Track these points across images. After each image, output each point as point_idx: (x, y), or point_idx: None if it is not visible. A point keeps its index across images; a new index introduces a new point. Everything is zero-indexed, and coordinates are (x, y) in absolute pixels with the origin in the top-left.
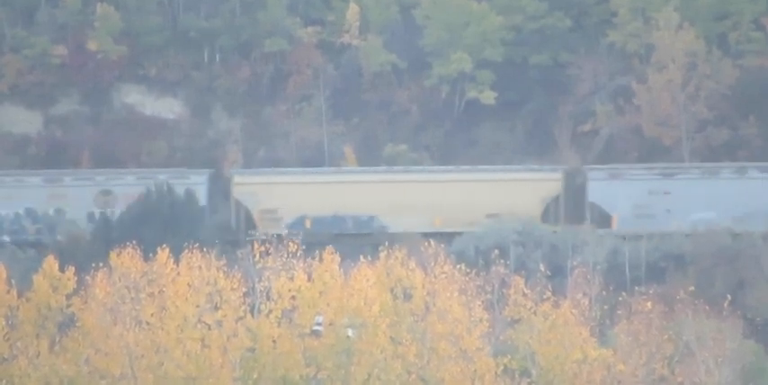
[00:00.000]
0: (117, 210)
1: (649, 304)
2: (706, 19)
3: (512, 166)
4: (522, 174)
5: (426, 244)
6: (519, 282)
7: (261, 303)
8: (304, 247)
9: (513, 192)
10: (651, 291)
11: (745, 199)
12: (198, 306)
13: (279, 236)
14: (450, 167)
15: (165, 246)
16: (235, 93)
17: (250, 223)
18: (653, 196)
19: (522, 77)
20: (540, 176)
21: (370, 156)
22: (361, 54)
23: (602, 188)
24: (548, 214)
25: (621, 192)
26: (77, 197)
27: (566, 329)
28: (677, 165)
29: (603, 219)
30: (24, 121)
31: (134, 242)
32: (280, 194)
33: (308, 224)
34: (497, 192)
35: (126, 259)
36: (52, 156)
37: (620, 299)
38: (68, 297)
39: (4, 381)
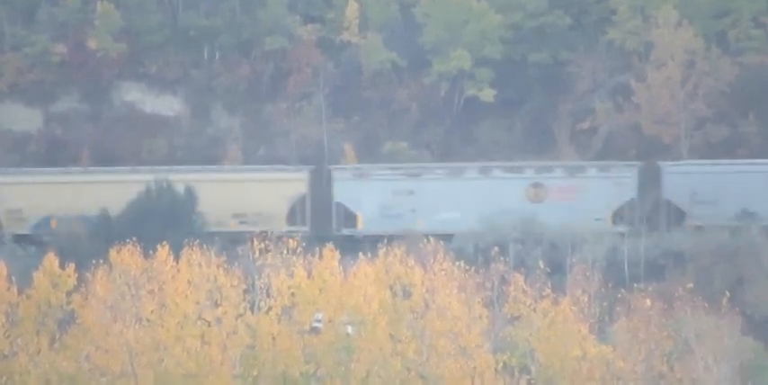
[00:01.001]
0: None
1: (648, 301)
2: (705, 16)
3: (257, 166)
4: (268, 173)
5: (426, 241)
6: (518, 279)
7: (260, 300)
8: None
9: (258, 192)
10: (650, 288)
11: (490, 198)
12: (198, 303)
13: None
14: (197, 167)
15: (164, 242)
16: (235, 91)
17: None
18: (398, 196)
19: (522, 75)
20: (285, 176)
21: (369, 154)
22: (361, 52)
23: (348, 188)
24: (294, 214)
25: (366, 192)
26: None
27: (565, 326)
28: (422, 165)
29: (350, 219)
30: (24, 119)
31: (134, 239)
32: (24, 194)
33: (53, 224)
34: (243, 192)
35: (126, 256)
36: (52, 153)
37: (620, 296)
38: (68, 294)
39: (4, 378)
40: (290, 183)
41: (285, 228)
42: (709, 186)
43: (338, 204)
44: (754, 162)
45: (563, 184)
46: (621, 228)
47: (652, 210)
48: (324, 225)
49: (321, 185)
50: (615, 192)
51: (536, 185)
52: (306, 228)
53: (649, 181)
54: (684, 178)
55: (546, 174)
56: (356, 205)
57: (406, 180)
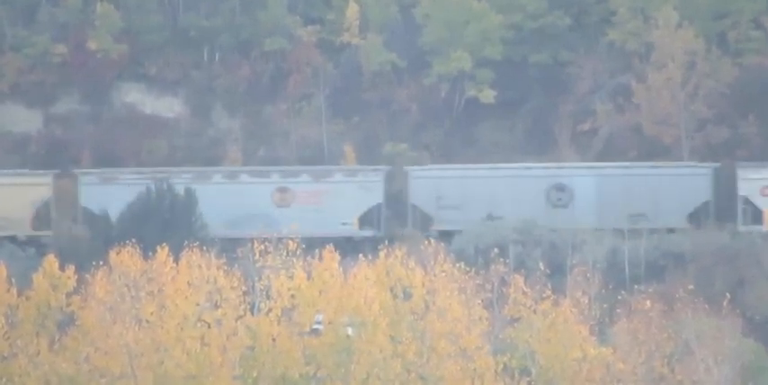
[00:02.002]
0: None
1: (649, 302)
2: (705, 18)
3: (2, 171)
4: (12, 178)
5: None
6: (518, 280)
7: (260, 302)
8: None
9: (3, 197)
10: (651, 290)
11: (237, 203)
12: (198, 304)
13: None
14: None
15: (164, 244)
16: (235, 92)
17: None
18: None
19: (522, 76)
20: (28, 181)
21: (369, 155)
22: (361, 53)
23: (95, 192)
24: (39, 219)
25: (114, 197)
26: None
27: (565, 328)
28: (168, 169)
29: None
30: (24, 120)
31: (133, 240)
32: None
33: None
34: None
35: (125, 258)
36: (52, 155)
37: (620, 297)
38: (68, 296)
39: (3, 380)
40: (34, 188)
41: (29, 232)
42: (455, 191)
43: (85, 209)
44: (497, 166)
45: (309, 189)
46: (368, 233)
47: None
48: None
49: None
50: (362, 196)
51: (282, 190)
52: (50, 233)
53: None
54: (430, 183)
55: (292, 178)
56: (103, 209)
57: (153, 184)
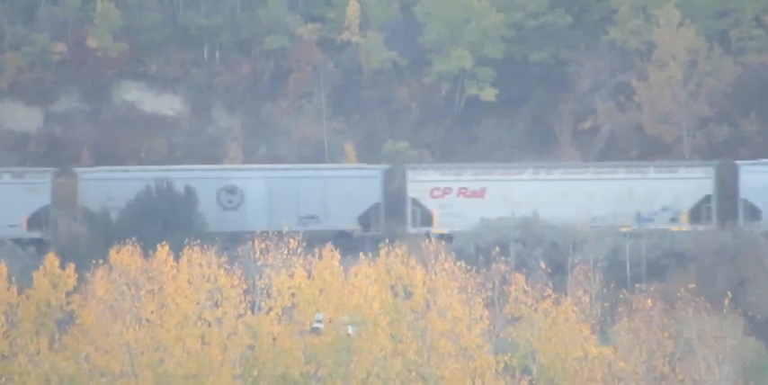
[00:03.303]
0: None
1: (650, 301)
2: (707, 16)
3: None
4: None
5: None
6: (519, 279)
7: (261, 300)
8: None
9: None
10: (652, 289)
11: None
12: (198, 303)
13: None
14: None
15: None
16: (235, 90)
17: None
18: None
19: (523, 74)
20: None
21: (370, 154)
22: (362, 51)
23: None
24: None
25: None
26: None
27: (566, 327)
28: None
29: None
30: (24, 118)
31: (134, 239)
32: None
33: None
34: None
35: (126, 256)
36: (52, 153)
37: (621, 296)
38: (68, 294)
39: (4, 379)
40: None
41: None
42: (120, 192)
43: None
44: (172, 168)
45: None
46: (36, 234)
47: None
48: None
49: None
50: (29, 198)
51: None
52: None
53: None
54: (99, 185)
55: None
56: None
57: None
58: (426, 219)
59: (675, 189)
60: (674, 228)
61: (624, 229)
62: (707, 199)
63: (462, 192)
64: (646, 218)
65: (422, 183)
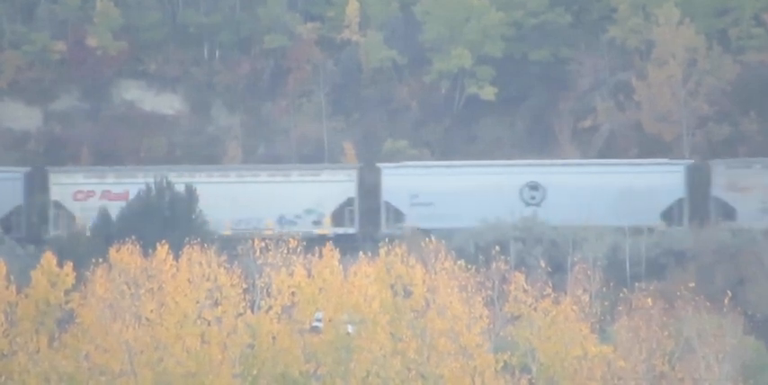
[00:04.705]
0: None
1: (650, 300)
2: (706, 15)
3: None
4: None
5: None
6: (519, 278)
7: (261, 299)
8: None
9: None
10: (651, 288)
11: None
12: (198, 302)
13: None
14: None
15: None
16: (234, 89)
17: None
18: None
19: (523, 73)
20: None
21: (369, 152)
22: (361, 50)
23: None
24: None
25: None
26: None
27: (566, 326)
28: None
29: None
30: (24, 117)
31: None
32: None
33: None
34: None
35: (125, 255)
36: (52, 151)
37: (621, 295)
38: (67, 293)
39: (3, 377)
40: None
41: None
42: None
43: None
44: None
45: None
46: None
47: None
48: None
49: None
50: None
51: None
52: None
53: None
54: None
55: None
56: None
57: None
58: (69, 221)
59: (319, 192)
60: (319, 231)
61: (268, 232)
62: (349, 202)
63: (106, 194)
64: (289, 220)
65: (65, 186)
